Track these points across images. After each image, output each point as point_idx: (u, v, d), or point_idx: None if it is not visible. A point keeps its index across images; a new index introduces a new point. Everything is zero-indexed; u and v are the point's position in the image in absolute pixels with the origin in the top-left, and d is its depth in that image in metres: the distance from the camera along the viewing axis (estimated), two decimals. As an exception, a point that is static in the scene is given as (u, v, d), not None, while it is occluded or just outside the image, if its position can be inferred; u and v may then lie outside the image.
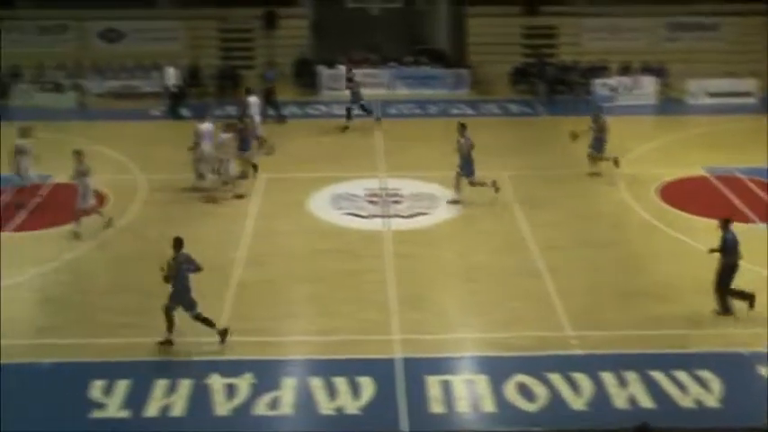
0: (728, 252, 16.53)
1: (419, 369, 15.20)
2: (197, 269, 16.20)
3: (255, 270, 19.11)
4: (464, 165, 22.16)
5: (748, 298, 16.78)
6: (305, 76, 34.14)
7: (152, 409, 14.25)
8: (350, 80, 29.91)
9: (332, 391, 14.59)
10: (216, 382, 14.90)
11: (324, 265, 19.33)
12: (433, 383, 14.77)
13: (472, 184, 22.31)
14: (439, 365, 15.39)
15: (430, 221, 21.62)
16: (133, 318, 17.09)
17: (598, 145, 24.31)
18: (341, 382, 14.77)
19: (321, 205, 22.60)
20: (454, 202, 22.38)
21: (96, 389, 14.71)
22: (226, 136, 22.79)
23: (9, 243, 20.56)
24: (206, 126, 23.59)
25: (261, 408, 14.26)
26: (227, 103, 31.91)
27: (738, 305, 16.74)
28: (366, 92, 32.99)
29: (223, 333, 16.09)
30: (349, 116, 28.84)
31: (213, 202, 22.52)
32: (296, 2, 36.70)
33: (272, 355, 15.81)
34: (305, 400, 14.47)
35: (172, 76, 31.15)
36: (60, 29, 35.83)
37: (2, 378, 15.37)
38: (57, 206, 22.19)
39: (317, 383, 14.80)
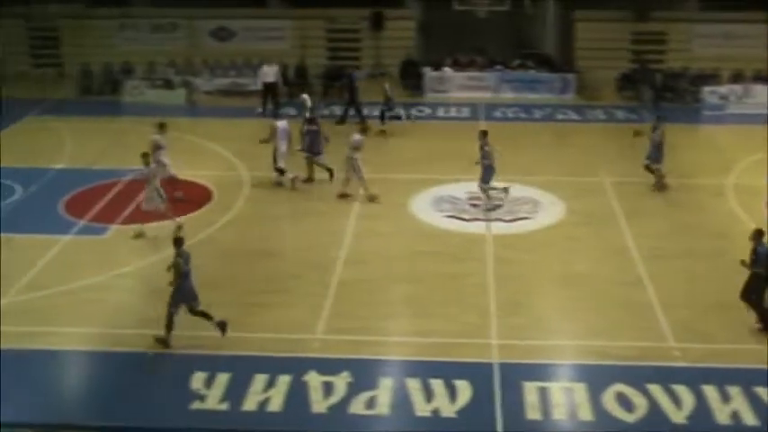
0: (759, 264, 16.06)
1: (516, 374, 15.12)
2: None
3: (356, 269, 19.24)
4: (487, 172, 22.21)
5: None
6: (410, 77, 34.17)
7: (250, 403, 14.47)
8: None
9: (428, 394, 14.61)
10: (313, 379, 15.06)
11: (424, 266, 19.36)
12: (530, 389, 14.68)
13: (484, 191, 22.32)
14: (536, 372, 15.28)
15: (532, 226, 21.46)
16: (234, 313, 17.34)
17: (656, 155, 23.34)
18: (438, 385, 14.78)
19: (423, 207, 22.62)
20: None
21: (198, 381, 15.01)
22: (358, 137, 22.96)
23: (117, 236, 21.14)
24: (282, 124, 23.79)
25: (357, 407, 14.36)
26: (333, 102, 32.25)
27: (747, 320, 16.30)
28: (471, 95, 33.07)
29: (222, 325, 16.21)
30: (383, 118, 29.08)
31: (345, 197, 22.76)
32: (403, 3, 36.78)
33: (369, 355, 15.90)
34: (401, 400, 14.51)
35: (267, 74, 31.62)
36: (172, 27, 36.61)
37: (108, 366, 15.89)
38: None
39: (413, 385, 14.84)
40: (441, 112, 31.51)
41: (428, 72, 33.99)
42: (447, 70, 34.05)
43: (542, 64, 34.73)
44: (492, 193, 22.42)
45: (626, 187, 23.62)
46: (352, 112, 29.82)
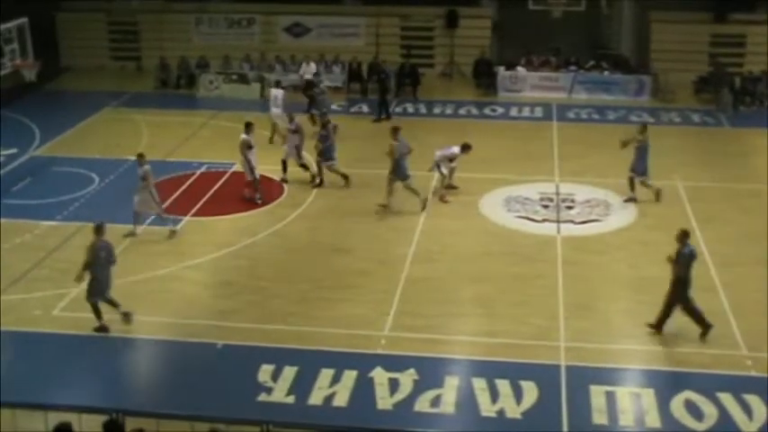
0: (683, 267, 15.88)
1: (583, 378, 15.01)
2: (114, 260, 16.65)
3: (425, 267, 19.26)
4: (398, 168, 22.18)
5: (705, 326, 16.10)
6: (484, 76, 34.04)
7: (316, 398, 14.59)
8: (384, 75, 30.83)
9: (494, 394, 14.58)
10: (380, 375, 15.12)
11: (493, 266, 19.30)
12: (597, 393, 14.56)
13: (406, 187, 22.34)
14: (604, 376, 15.15)
15: (602, 229, 21.24)
16: (303, 307, 17.54)
17: (642, 167, 22.49)
18: (504, 385, 14.74)
19: (493, 207, 22.54)
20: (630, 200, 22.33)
21: (265, 373, 15.18)
22: (456, 150, 23.07)
23: (190, 227, 21.44)
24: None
25: (422, 404, 14.38)
26: (407, 100, 32.28)
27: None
28: (544, 95, 32.81)
29: (126, 315, 16.63)
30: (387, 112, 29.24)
31: (444, 201, 22.81)
32: (478, 2, 36.65)
33: (436, 353, 15.91)
34: (467, 400, 14.50)
35: (308, 71, 31.85)
36: (248, 22, 36.95)
37: (177, 355, 16.14)
38: (236, 193, 22.94)
39: (479, 385, 14.82)
40: (513, 112, 31.33)
41: (501, 71, 33.82)
42: (520, 70, 33.84)
43: (617, 65, 34.30)
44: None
45: (700, 192, 23.25)
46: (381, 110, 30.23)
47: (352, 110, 31.16)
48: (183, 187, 23.75)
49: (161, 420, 10.69)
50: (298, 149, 24.07)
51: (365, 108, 30.75)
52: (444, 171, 23.03)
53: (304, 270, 19.19)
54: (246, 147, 22.42)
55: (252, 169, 22.50)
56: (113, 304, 16.75)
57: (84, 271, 16.55)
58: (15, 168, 25.51)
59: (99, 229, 16.79)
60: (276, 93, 27.55)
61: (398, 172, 22.09)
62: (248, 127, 22.90)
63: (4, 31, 27.54)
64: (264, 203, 22.47)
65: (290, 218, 21.82)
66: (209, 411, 10.66)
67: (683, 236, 16.19)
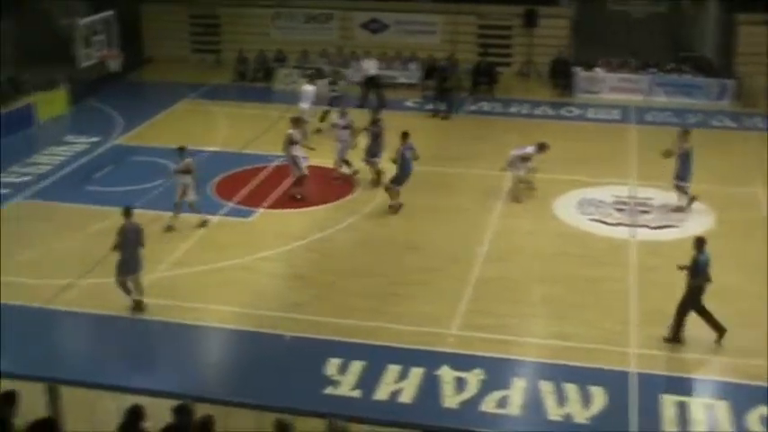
0: (698, 274, 15.71)
1: (654, 386, 14.81)
2: (142, 243, 17.18)
3: (496, 267, 19.19)
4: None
5: (720, 330, 15.92)
6: (561, 76, 33.75)
7: (382, 393, 14.65)
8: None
9: (562, 398, 14.47)
10: (446, 373, 15.11)
11: (565, 268, 19.15)
12: (668, 403, 14.35)
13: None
14: (675, 385, 14.95)
15: (678, 234, 20.89)
16: (372, 302, 17.60)
17: (684, 172, 21.97)
18: (572, 390, 14.62)
19: (567, 208, 22.36)
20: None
21: (332, 366, 15.28)
22: (530, 150, 22.97)
23: (262, 219, 21.67)
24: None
25: (489, 405, 14.34)
26: (483, 99, 32.17)
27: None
28: (622, 97, 32.43)
29: (139, 303, 17.07)
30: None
31: (517, 201, 22.74)
32: (557, 1, 36.33)
33: (503, 354, 15.85)
34: (533, 402, 14.42)
35: (368, 67, 31.94)
36: (326, 18, 37.15)
37: (246, 345, 16.34)
38: (309, 186, 23.07)
39: (547, 388, 14.72)
40: (590, 114, 31.03)
41: (579, 72, 33.51)
42: (599, 71, 33.50)
43: (699, 68, 33.71)
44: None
45: (781, 200, 22.79)
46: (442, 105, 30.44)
47: (427, 107, 31.12)
48: (258, 179, 23.99)
49: (229, 408, 10.82)
50: (346, 145, 24.05)
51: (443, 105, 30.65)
52: (519, 171, 22.89)
53: (375, 265, 19.27)
54: (290, 142, 22.52)
55: (298, 165, 22.57)
56: (139, 288, 17.26)
57: (114, 251, 17.06)
58: (98, 156, 26.07)
59: (128, 212, 17.31)
60: (307, 88, 27.64)
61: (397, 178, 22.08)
62: (296, 122, 23.12)
63: (91, 23, 28.17)
64: (308, 202, 22.45)
65: (362, 213, 21.91)
66: (276, 402, 10.74)
67: (700, 243, 16.04)
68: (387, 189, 22.23)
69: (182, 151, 21.11)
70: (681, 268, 16.05)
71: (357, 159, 24.06)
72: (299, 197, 22.65)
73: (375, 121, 24.22)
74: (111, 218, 21.00)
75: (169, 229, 20.75)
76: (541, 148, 23.06)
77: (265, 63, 35.18)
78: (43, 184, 23.97)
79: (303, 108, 27.09)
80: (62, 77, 30.90)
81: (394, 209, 21.89)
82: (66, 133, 28.30)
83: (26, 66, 31.51)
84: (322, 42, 36.16)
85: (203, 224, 21.07)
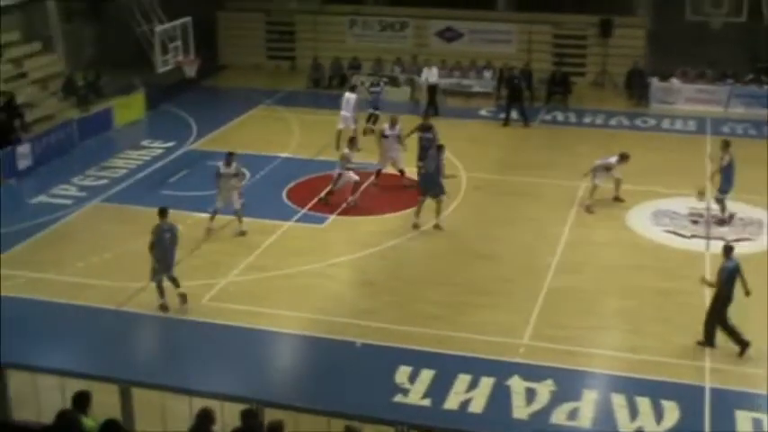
0: (724, 282, 15.64)
1: (729, 402, 14.54)
2: (177, 242, 17.61)
3: (568, 278, 19.01)
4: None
5: (743, 344, 15.77)
6: (636, 87, 33.33)
7: (452, 402, 14.60)
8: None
9: (633, 411, 14.28)
10: (517, 384, 15.02)
11: (638, 280, 18.90)
12: (743, 419, 14.08)
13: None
14: (751, 401, 14.62)
15: (754, 248, 20.47)
16: (444, 311, 17.57)
17: (726, 185, 21.65)
18: (644, 403, 14.42)
19: (641, 220, 22.07)
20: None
21: (402, 374, 15.27)
22: (613, 160, 22.80)
23: (334, 226, 21.77)
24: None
25: (559, 417, 14.22)
26: (557, 109, 31.93)
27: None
28: (698, 108, 31.91)
29: (183, 296, 17.38)
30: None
31: (590, 211, 22.53)
32: (634, 11, 35.93)
33: (575, 365, 15.71)
34: (604, 415, 14.26)
35: (430, 75, 31.86)
36: (401, 26, 37.23)
37: (317, 351, 16.42)
38: (382, 193, 23.11)
39: (618, 401, 14.55)
40: (666, 125, 30.60)
41: (655, 82, 33.06)
42: (675, 81, 33.01)
43: (778, 79, 33.02)
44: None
45: None
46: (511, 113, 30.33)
47: (501, 116, 30.97)
48: (330, 186, 24.08)
49: (298, 413, 10.88)
50: (396, 154, 23.99)
51: (513, 114, 30.49)
52: (598, 182, 22.62)
53: (446, 274, 19.23)
54: (344, 159, 22.62)
55: (339, 179, 22.64)
56: (176, 283, 17.55)
57: (151, 251, 17.43)
58: (173, 160, 26.46)
59: (163, 213, 17.68)
60: (349, 96, 27.61)
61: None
62: (351, 142, 23.26)
63: (169, 29, 28.63)
64: (405, 206, 22.44)
65: (434, 222, 21.84)
66: (345, 408, 10.77)
67: (728, 250, 15.99)
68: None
69: (230, 156, 21.25)
70: (703, 282, 16.21)
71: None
72: (352, 204, 22.61)
73: (427, 128, 24.18)
74: (186, 222, 21.38)
75: (242, 233, 20.98)
76: (623, 158, 22.81)
77: (340, 70, 35.38)
78: (119, 187, 24.40)
79: (345, 116, 27.15)
80: (139, 83, 31.44)
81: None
82: (142, 138, 28.78)
83: (105, 71, 32.15)
84: (397, 50, 36.22)
85: (242, 233, 21.07)
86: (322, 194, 22.89)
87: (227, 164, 21.07)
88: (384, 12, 37.66)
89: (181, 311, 17.42)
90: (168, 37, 28.84)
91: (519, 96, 30.49)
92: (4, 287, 18.41)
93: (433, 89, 31.65)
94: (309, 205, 22.79)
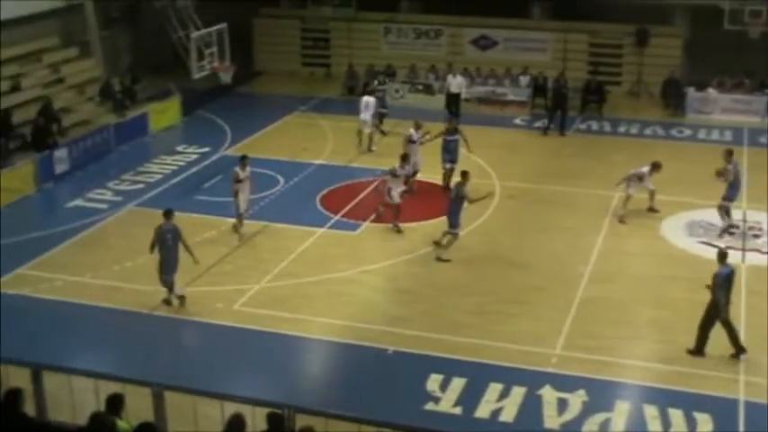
0: (719, 288, 15.73)
1: (763, 415, 14.35)
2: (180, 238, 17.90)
3: (601, 288, 18.92)
4: None
5: (739, 349, 15.94)
6: (672, 96, 33.12)
7: (483, 411, 14.58)
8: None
9: (666, 423, 14.19)
10: (548, 394, 14.97)
11: (671, 291, 18.77)
12: (777, 432, 13.93)
13: None
14: (786, 414, 14.46)
15: (792, 261, 20.29)
16: (475, 319, 17.55)
17: (732, 193, 21.76)
18: (677, 415, 14.32)
19: (675, 230, 21.92)
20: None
21: (434, 382, 15.27)
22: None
23: (367, 233, 21.79)
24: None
25: (591, 427, 14.16)
26: (592, 118, 31.79)
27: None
28: (735, 118, 31.65)
29: (181, 298, 17.93)
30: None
31: (623, 222, 22.43)
32: (670, 20, 35.71)
33: (607, 376, 15.63)
34: (637, 426, 14.18)
35: (451, 84, 31.99)
36: (436, 34, 37.24)
37: (348, 358, 16.45)
38: (416, 201, 23.07)
39: (651, 412, 14.46)
40: (702, 135, 30.37)
41: (691, 92, 32.81)
42: (711, 91, 32.76)
43: (817, 90, 32.66)
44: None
45: None
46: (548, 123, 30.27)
47: (536, 124, 30.91)
48: (364, 193, 24.15)
49: (329, 420, 10.90)
50: (417, 158, 24.01)
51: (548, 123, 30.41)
52: (631, 191, 22.50)
53: (479, 282, 19.19)
54: (392, 174, 22.20)
55: (390, 195, 22.12)
56: (171, 289, 17.98)
57: (151, 251, 17.86)
58: (207, 166, 26.62)
59: (167, 214, 18.02)
60: (367, 100, 27.98)
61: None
62: (403, 159, 22.66)
63: (204, 35, 28.84)
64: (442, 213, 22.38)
65: (467, 229, 21.78)
66: (376, 416, 10.77)
67: (722, 256, 16.06)
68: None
69: (245, 159, 21.50)
70: (708, 287, 16.15)
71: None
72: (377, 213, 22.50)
73: (452, 131, 24.25)
74: (219, 227, 21.53)
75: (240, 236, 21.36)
76: (655, 167, 22.69)
77: (375, 77, 35.42)
78: (154, 192, 24.58)
79: (364, 119, 27.61)
80: (175, 88, 31.68)
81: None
82: (177, 143, 28.99)
83: (141, 76, 32.43)
84: (431, 58, 36.22)
85: (240, 237, 21.31)
86: (379, 209, 22.54)
87: (243, 167, 21.29)
88: (419, 19, 37.70)
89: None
90: (204, 43, 29.05)
91: (563, 105, 30.40)
92: (41, 290, 18.66)
93: (454, 97, 31.60)
94: (343, 212, 22.84)
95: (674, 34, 35.13)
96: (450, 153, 24.00)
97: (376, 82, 30.96)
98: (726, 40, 32.72)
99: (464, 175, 20.79)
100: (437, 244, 20.71)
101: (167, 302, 18.05)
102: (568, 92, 31.01)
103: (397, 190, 21.86)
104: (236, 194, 21.24)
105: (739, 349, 16.04)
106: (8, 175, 23.90)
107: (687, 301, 18.28)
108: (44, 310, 18.01)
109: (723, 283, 15.87)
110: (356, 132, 27.91)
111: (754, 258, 20.44)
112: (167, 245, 17.74)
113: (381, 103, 29.34)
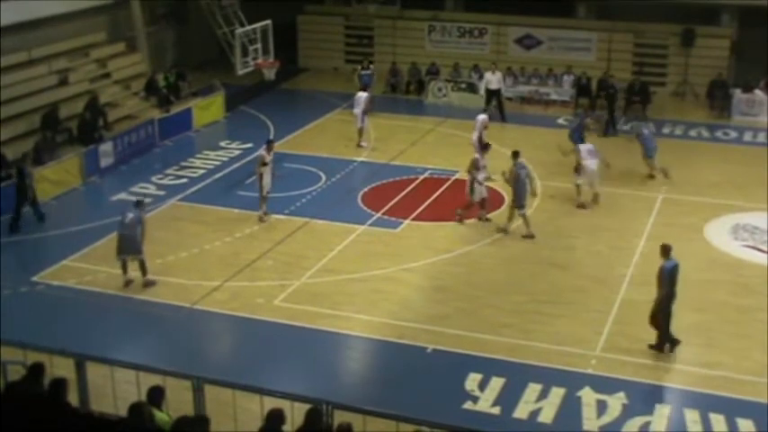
0: (664, 282, 15.85)
1: (806, 421, 14.19)
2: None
3: (642, 290, 18.64)
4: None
5: (666, 342, 16.15)
6: (718, 98, 32.75)
7: (521, 411, 14.54)
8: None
9: (707, 428, 14.05)
10: (588, 395, 14.89)
11: (714, 295, 18.58)
12: (820, 440, 13.74)
13: None
14: (829, 422, 14.27)
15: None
16: (515, 319, 17.50)
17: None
18: (718, 420, 14.19)
19: (719, 233, 21.69)
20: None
21: (472, 381, 15.25)
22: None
23: (409, 231, 21.80)
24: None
25: (630, 430, 14.03)
26: (635, 118, 31.53)
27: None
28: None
29: (149, 283, 18.66)
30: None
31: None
32: (718, 21, 35.32)
33: (648, 379, 15.52)
34: (677, 430, 14.03)
35: (490, 81, 31.84)
36: (480, 32, 37.14)
37: (387, 355, 16.46)
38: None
39: (692, 416, 14.33)
40: (748, 137, 30.01)
41: (738, 94, 32.44)
42: (758, 93, 32.34)
43: None
44: None
45: None
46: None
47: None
48: (406, 191, 24.16)
49: (367, 417, 10.92)
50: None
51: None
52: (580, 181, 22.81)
53: (519, 282, 19.13)
54: (475, 167, 22.21)
55: (473, 190, 22.17)
56: (124, 269, 18.83)
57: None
58: (250, 162, 26.68)
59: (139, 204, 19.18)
60: (360, 95, 28.49)
61: (516, 199, 21.44)
62: (484, 148, 22.91)
63: (249, 31, 29.01)
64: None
65: (508, 228, 21.75)
66: (414, 414, 10.77)
67: (665, 250, 16.12)
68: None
69: (270, 143, 22.57)
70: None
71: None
72: (458, 218, 22.32)
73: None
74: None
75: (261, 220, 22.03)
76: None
77: (418, 75, 35.43)
78: (197, 187, 24.78)
79: (356, 113, 28.13)
80: (219, 84, 31.87)
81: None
82: (220, 138, 29.18)
83: (186, 72, 32.66)
84: (475, 57, 36.12)
85: (263, 217, 22.17)
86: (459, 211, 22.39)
87: (269, 151, 22.22)
88: (463, 18, 37.62)
89: (340, 326, 17.44)
90: (249, 40, 29.25)
91: (612, 104, 30.24)
92: (85, 281, 18.90)
93: (493, 94, 31.52)
94: (384, 209, 22.86)
95: (720, 35, 34.76)
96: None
97: (360, 66, 31.55)
98: (774, 41, 32.35)
99: (515, 154, 21.80)
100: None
101: (127, 283, 18.80)
102: (617, 92, 30.82)
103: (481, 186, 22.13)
104: (261, 177, 21.85)
105: (666, 343, 16.21)
106: (55, 169, 24.26)
107: (730, 305, 18.15)
108: (88, 301, 18.23)
109: (667, 276, 15.97)
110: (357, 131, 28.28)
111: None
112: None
113: (364, 86, 30.16)
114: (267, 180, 21.97)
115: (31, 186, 22.04)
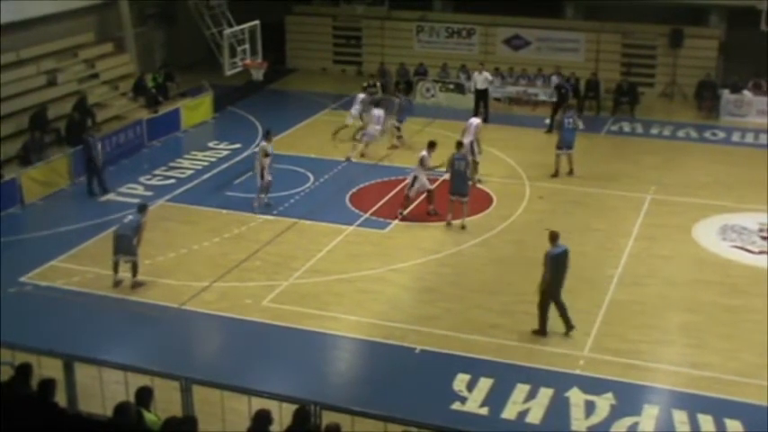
0: (549, 267, 16.28)
1: (795, 422, 14.24)
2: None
3: (630, 290, 18.81)
4: None
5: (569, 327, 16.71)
6: (706, 99, 32.84)
7: (510, 412, 14.54)
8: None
9: (695, 428, 14.07)
10: (576, 396, 14.90)
11: (702, 295, 18.63)
12: (808, 440, 13.78)
13: None
14: (817, 422, 14.32)
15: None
16: (503, 319, 17.50)
17: None
18: (706, 421, 14.21)
19: (707, 234, 21.74)
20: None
21: (460, 382, 15.25)
22: None
23: (397, 232, 21.79)
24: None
25: (618, 430, 14.04)
26: (623, 119, 31.62)
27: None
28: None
29: (118, 282, 18.73)
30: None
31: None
32: (706, 21, 35.41)
33: (636, 380, 15.52)
34: (665, 430, 14.05)
35: (477, 81, 31.84)
36: (468, 33, 37.15)
37: (374, 356, 16.45)
38: (446, 201, 23.04)
39: (680, 417, 14.35)
40: (736, 138, 30.10)
41: (726, 94, 32.54)
42: (747, 94, 32.46)
43: None
44: None
45: None
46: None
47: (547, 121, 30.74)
48: (393, 192, 24.14)
49: (355, 417, 10.92)
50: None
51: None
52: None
53: (507, 282, 19.13)
54: (421, 163, 22.56)
55: (417, 184, 22.56)
56: (115, 269, 18.90)
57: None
58: (238, 162, 26.71)
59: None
60: (358, 96, 29.00)
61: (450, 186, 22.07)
62: (430, 146, 23.05)
63: (237, 32, 28.97)
64: (471, 213, 22.35)
65: (496, 229, 21.80)
66: (403, 414, 10.78)
67: (553, 237, 16.67)
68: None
69: (269, 134, 23.18)
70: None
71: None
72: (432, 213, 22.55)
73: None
74: (249, 223, 21.62)
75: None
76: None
77: (406, 76, 35.42)
78: (185, 187, 24.72)
79: (352, 113, 28.48)
80: (207, 85, 31.82)
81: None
82: (209, 139, 29.13)
83: (174, 73, 32.59)
84: (463, 57, 36.14)
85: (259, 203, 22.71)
86: (402, 211, 22.66)
87: (270, 141, 22.73)
88: (451, 18, 37.64)
89: (328, 327, 17.41)
90: (237, 40, 29.21)
91: (561, 103, 29.92)
92: (73, 282, 18.84)
93: (481, 94, 31.51)
94: (372, 210, 22.85)
95: (709, 35, 34.86)
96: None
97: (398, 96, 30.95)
98: (762, 42, 32.41)
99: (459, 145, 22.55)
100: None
101: (117, 284, 18.83)
102: (568, 92, 30.79)
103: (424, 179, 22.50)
104: (262, 169, 22.29)
105: (569, 327, 16.78)
106: (43, 169, 24.18)
107: (719, 305, 18.19)
108: (76, 301, 18.18)
109: (552, 262, 16.30)
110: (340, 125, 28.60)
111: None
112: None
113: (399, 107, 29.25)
114: (267, 172, 22.40)
115: (97, 157, 23.77)
